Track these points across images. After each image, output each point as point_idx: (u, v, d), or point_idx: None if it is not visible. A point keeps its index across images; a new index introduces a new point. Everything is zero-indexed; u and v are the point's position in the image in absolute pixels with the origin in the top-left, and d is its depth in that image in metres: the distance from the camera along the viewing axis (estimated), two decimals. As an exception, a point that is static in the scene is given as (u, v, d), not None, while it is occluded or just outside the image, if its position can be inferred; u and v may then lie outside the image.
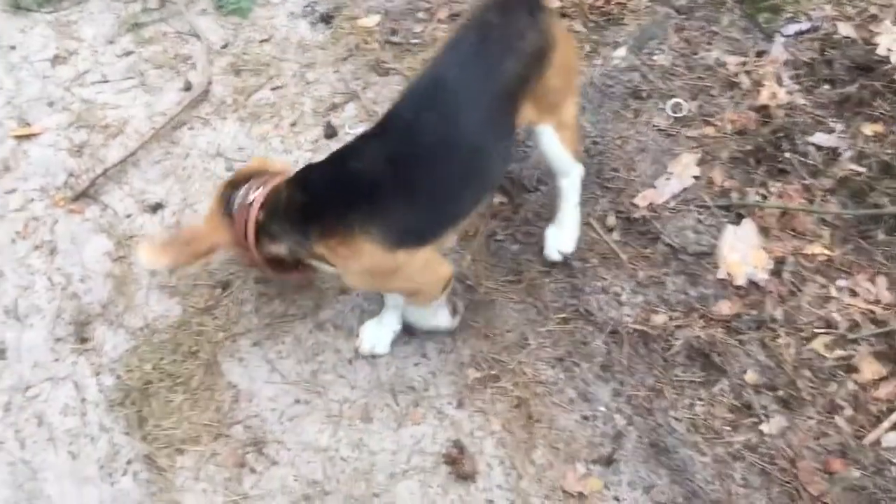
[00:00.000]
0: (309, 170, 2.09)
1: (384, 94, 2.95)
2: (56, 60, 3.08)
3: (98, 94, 3.00)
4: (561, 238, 2.47)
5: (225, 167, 2.82)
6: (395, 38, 3.07)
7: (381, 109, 2.90)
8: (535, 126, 2.25)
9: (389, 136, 2.00)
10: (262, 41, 3.12)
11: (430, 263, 2.09)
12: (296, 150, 2.86)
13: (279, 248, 2.02)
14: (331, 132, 2.87)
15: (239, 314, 2.47)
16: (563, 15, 3.02)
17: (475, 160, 2.05)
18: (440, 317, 2.34)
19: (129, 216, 2.73)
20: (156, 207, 2.75)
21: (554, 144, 2.27)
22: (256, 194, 2.00)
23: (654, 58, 2.87)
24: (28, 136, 2.89)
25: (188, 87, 3.00)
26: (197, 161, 2.85)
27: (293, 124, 2.92)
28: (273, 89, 3.00)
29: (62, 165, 2.83)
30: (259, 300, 2.49)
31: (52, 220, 2.72)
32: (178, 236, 2.42)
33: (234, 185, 2.07)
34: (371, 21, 3.13)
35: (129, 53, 3.09)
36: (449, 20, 3.09)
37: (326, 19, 3.16)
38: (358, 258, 1.95)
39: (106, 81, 3.03)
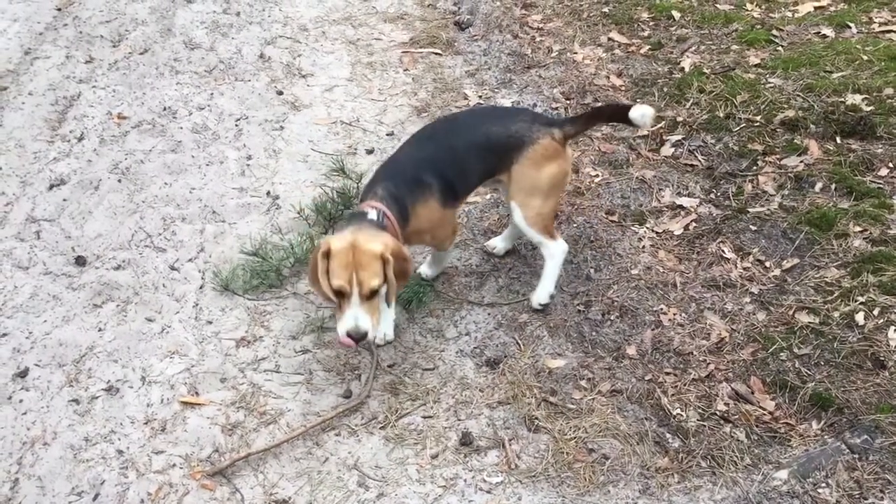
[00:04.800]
0: (391, 187, 3.09)
1: (529, 451, 2.93)
2: (241, 342, 3.33)
3: (267, 381, 3.18)
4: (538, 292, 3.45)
5: (357, 482, 2.83)
6: (552, 399, 3.11)
7: (524, 465, 2.89)
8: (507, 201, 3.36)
9: (432, 143, 3.25)
10: (427, 370, 3.25)
11: (453, 218, 3.33)
12: (429, 482, 2.84)
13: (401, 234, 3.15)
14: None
15: None
16: (726, 420, 2.98)
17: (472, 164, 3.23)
18: (450, 257, 3.59)
19: (253, 507, 2.74)
20: (281, 505, 2.76)
21: (518, 218, 3.30)
22: (376, 211, 2.99)
23: (819, 490, 2.71)
24: (193, 405, 3.06)
25: (348, 395, 3.13)
26: (333, 468, 2.88)
27: (434, 456, 2.93)
28: (424, 417, 3.07)
29: (212, 440, 2.94)
30: None
31: (183, 490, 2.78)
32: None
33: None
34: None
35: (305, 351, 3.30)
36: (609, 394, 3.12)
37: (492, 363, 3.27)
38: (430, 214, 3.15)
39: (277, 371, 3.22)
